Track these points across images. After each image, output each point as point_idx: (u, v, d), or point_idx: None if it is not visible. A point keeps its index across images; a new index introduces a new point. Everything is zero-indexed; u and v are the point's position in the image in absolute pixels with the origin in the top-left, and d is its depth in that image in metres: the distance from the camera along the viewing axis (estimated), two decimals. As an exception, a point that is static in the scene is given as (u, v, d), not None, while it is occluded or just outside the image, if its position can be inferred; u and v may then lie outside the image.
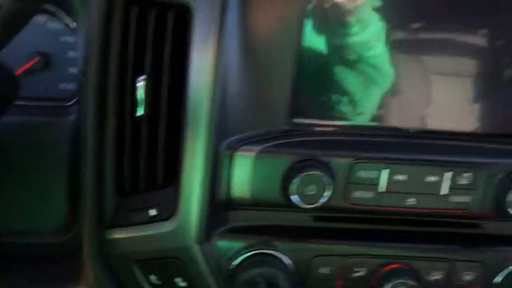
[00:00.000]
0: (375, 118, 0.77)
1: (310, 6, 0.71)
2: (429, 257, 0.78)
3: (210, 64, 0.67)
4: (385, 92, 0.77)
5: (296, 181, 0.71)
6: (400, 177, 0.73)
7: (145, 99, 0.70)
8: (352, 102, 0.77)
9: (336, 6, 0.72)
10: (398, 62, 0.75)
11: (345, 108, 0.77)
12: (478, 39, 0.75)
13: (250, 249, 0.75)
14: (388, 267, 0.77)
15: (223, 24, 0.66)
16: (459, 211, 0.75)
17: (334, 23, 0.73)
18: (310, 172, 0.70)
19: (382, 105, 0.77)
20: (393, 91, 0.76)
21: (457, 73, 0.77)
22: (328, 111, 0.77)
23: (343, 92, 0.76)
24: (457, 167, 0.73)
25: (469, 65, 0.76)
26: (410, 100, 0.77)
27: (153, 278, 0.79)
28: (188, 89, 0.68)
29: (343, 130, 0.77)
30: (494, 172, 0.74)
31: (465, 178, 0.74)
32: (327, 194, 0.71)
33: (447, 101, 0.77)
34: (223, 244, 0.76)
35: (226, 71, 0.69)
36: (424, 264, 0.77)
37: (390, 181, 0.73)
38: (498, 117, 0.78)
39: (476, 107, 0.77)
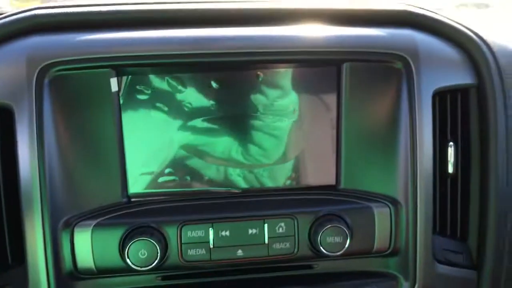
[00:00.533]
0: (203, 184, 0.89)
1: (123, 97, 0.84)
2: None
3: (34, 155, 0.79)
4: (212, 161, 0.89)
5: (130, 248, 0.80)
6: (225, 233, 0.84)
7: None
8: (181, 172, 0.88)
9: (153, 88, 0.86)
10: (219, 132, 0.88)
11: (173, 177, 0.88)
12: (290, 110, 0.89)
13: None
14: None
15: (42, 121, 0.79)
16: (284, 256, 0.86)
17: (153, 108, 0.86)
18: (140, 238, 0.80)
19: (209, 171, 0.89)
20: (219, 159, 0.89)
21: (273, 136, 0.90)
22: (158, 181, 0.88)
23: (172, 163, 0.88)
24: (272, 219, 0.85)
25: (281, 129, 0.90)
26: (235, 165, 0.90)
27: None
28: (19, 178, 0.79)
29: (173, 197, 0.88)
30: (304, 219, 0.86)
31: (281, 227, 0.86)
32: (159, 255, 0.81)
33: (267, 162, 0.90)
34: (77, 312, 0.84)
35: (51, 160, 0.80)
36: None
37: (216, 238, 0.84)
38: (307, 173, 0.91)
39: (290, 165, 0.91)
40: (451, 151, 0.91)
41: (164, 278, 0.88)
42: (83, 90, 0.82)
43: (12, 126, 0.80)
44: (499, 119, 0.90)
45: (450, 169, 0.92)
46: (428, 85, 0.87)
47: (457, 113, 0.93)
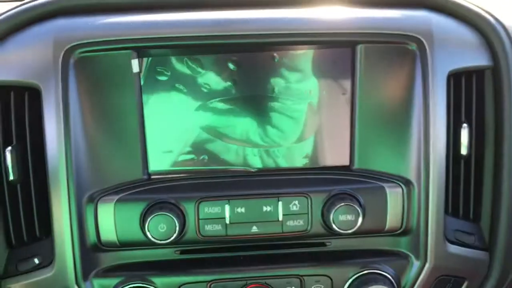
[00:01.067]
0: (220, 163, 0.92)
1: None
2: (282, 275, 0.91)
3: (60, 133, 0.83)
4: (230, 141, 0.92)
5: (150, 222, 0.84)
6: (241, 210, 0.88)
7: (13, 165, 0.84)
8: (199, 151, 0.92)
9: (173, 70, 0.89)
10: (237, 113, 0.91)
11: (192, 156, 0.92)
12: (306, 92, 0.91)
13: (125, 284, 0.88)
14: (247, 287, 0.90)
15: (67, 100, 0.83)
16: (298, 233, 0.89)
17: (171, 88, 0.89)
18: (159, 213, 0.84)
19: (227, 151, 0.92)
20: (236, 140, 0.92)
21: (290, 118, 0.93)
22: (177, 160, 0.92)
23: (191, 143, 0.91)
24: (286, 197, 0.88)
25: (298, 111, 0.92)
26: (252, 146, 0.92)
27: None
28: (46, 155, 0.84)
29: (191, 175, 0.92)
30: (318, 198, 0.88)
31: (295, 205, 0.88)
32: (177, 230, 0.85)
33: (283, 143, 0.93)
34: (101, 282, 0.89)
35: (77, 138, 0.84)
36: (278, 282, 0.91)
37: (232, 214, 0.88)
38: (322, 153, 0.94)
39: (305, 146, 0.93)
40: (464, 133, 0.91)
41: (182, 252, 0.92)
42: (106, 71, 0.86)
43: (39, 106, 0.85)
44: None
45: (464, 151, 0.92)
46: (443, 66, 0.88)
47: (472, 95, 0.93)
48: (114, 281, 0.89)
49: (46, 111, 0.83)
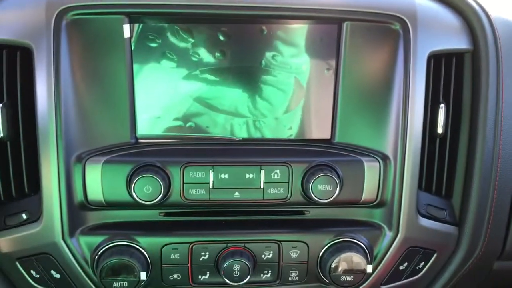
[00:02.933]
0: (207, 131, 0.96)
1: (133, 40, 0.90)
2: (261, 240, 0.95)
3: (51, 93, 0.85)
4: (217, 110, 0.95)
5: (136, 183, 0.88)
6: (224, 176, 0.91)
7: (3, 122, 0.87)
8: (186, 119, 0.95)
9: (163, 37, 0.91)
10: (226, 84, 0.94)
11: (179, 123, 0.95)
12: (293, 66, 0.94)
13: (110, 242, 0.92)
14: (227, 250, 0.94)
15: (58, 61, 0.85)
16: (278, 201, 0.93)
17: (162, 55, 0.91)
18: (145, 175, 0.87)
19: (213, 120, 0.95)
20: (224, 110, 0.95)
21: (277, 90, 0.96)
22: (164, 126, 0.95)
23: (178, 110, 0.94)
24: (268, 165, 0.92)
25: (285, 84, 0.95)
26: (237, 114, 0.96)
27: (33, 272, 0.95)
28: (36, 113, 0.86)
29: (177, 141, 0.95)
30: (298, 168, 0.92)
31: (276, 174, 0.92)
32: (162, 192, 0.88)
33: (270, 115, 0.96)
34: (86, 239, 0.92)
35: (67, 98, 0.87)
36: (257, 246, 0.95)
37: (216, 180, 0.91)
38: (305, 126, 0.97)
39: (289, 119, 0.96)
40: (441, 112, 0.96)
41: (166, 214, 0.96)
42: (97, 35, 0.88)
43: (31, 65, 0.86)
44: (491, 84, 0.95)
45: (440, 130, 0.97)
46: (424, 47, 0.91)
47: (451, 76, 0.97)
48: (99, 238, 0.92)
49: (38, 71, 0.85)
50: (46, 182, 0.88)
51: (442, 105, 0.95)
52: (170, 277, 0.94)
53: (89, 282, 0.94)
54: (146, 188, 0.88)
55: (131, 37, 0.89)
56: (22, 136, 0.90)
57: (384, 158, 0.94)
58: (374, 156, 0.94)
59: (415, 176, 0.95)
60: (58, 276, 0.94)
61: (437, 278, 1.07)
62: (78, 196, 0.90)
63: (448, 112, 0.97)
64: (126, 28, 0.88)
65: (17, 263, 0.94)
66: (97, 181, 0.89)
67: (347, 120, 0.95)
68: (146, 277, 0.90)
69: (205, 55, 0.92)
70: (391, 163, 0.94)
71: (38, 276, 0.95)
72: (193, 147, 0.94)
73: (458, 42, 0.94)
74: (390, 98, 0.93)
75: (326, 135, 0.97)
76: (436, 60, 0.96)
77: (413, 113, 0.92)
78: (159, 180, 0.88)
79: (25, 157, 0.91)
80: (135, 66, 0.91)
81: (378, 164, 0.94)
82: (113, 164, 0.89)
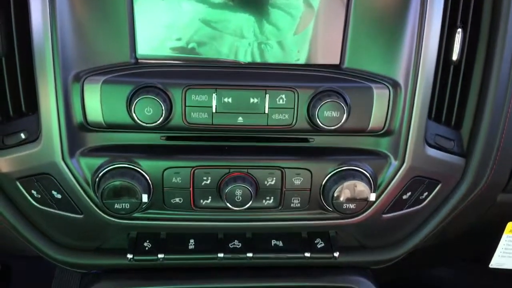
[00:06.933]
0: (210, 53, 0.91)
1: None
2: (264, 166, 0.94)
3: (45, 7, 0.80)
4: (222, 31, 0.90)
5: (136, 104, 0.85)
6: (227, 100, 0.88)
7: None
8: (189, 39, 0.90)
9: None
10: (232, 7, 0.88)
11: (181, 44, 0.90)
12: None
13: (111, 164, 0.90)
14: (229, 175, 0.93)
15: None
16: (282, 127, 0.91)
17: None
18: (146, 96, 0.84)
19: (218, 42, 0.90)
20: (229, 31, 0.90)
21: (284, 14, 0.90)
22: (165, 46, 0.90)
23: (181, 30, 0.89)
24: (273, 90, 0.88)
25: (294, 7, 0.89)
26: (243, 37, 0.91)
27: (34, 192, 0.94)
28: (31, 29, 0.82)
29: (179, 62, 0.90)
30: (305, 93, 0.89)
31: (281, 99, 0.89)
32: (164, 114, 0.85)
33: (274, 38, 0.91)
34: (87, 160, 0.91)
35: (63, 14, 0.82)
36: (260, 172, 0.94)
37: (219, 103, 0.88)
38: (313, 51, 0.92)
39: (297, 42, 0.91)
40: (458, 37, 0.91)
41: (168, 138, 0.94)
42: None
43: None
44: None
45: (455, 56, 0.92)
46: None
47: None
48: (100, 160, 0.91)
49: None
50: (43, 100, 0.85)
51: (459, 30, 0.90)
52: (172, 201, 0.94)
53: (91, 203, 0.94)
54: (147, 110, 0.85)
55: None
56: (17, 52, 0.86)
57: (395, 85, 0.90)
58: (384, 82, 0.90)
59: (425, 105, 0.91)
60: (59, 196, 0.94)
61: (440, 208, 1.07)
62: (77, 116, 0.87)
63: (465, 38, 0.92)
64: None
65: (18, 183, 0.93)
66: (96, 102, 0.86)
67: (358, 44, 0.90)
68: (148, 199, 0.90)
69: None
70: (401, 90, 0.90)
71: (39, 196, 0.94)
72: (196, 69, 0.90)
73: None
74: (405, 21, 0.87)
75: (335, 60, 0.93)
76: None
77: (428, 37, 0.87)
78: (160, 102, 0.85)
79: (21, 75, 0.87)
80: None
81: (388, 91, 0.90)
82: (113, 84, 0.86)
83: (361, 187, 0.92)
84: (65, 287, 1.71)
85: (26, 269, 1.73)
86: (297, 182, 0.94)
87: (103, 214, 0.96)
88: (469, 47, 0.94)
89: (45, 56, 0.82)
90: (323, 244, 1.05)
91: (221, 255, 1.02)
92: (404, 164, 0.95)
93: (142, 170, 0.91)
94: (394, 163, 0.95)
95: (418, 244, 1.13)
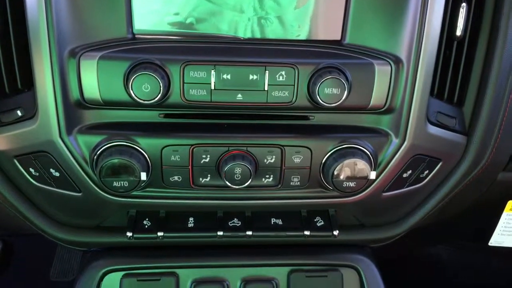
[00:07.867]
0: (209, 28, 0.89)
1: None
2: (263, 144, 0.93)
3: None
4: (221, 5, 0.88)
5: (133, 80, 0.83)
6: (226, 76, 0.87)
7: None
8: (187, 14, 0.88)
9: None
10: None
11: (180, 19, 0.88)
12: None
13: (109, 142, 0.89)
14: (229, 153, 0.92)
15: None
16: (282, 104, 0.89)
17: None
18: (144, 72, 0.83)
19: (217, 17, 0.88)
20: (227, 5, 0.88)
21: None
22: (163, 21, 0.88)
23: (179, 4, 0.87)
24: (273, 66, 0.87)
25: None
26: (242, 12, 0.89)
27: (32, 170, 0.94)
28: (26, 5, 0.80)
29: (177, 38, 0.89)
30: (305, 70, 0.87)
31: (281, 76, 0.87)
32: (161, 91, 0.84)
33: (274, 13, 0.89)
34: (84, 138, 0.90)
35: None
36: (259, 150, 0.93)
37: (218, 80, 0.87)
38: (314, 26, 0.90)
39: (297, 17, 0.89)
40: (462, 12, 0.89)
41: (166, 116, 0.93)
42: None
43: None
44: None
45: (458, 32, 0.90)
46: None
47: None
48: (98, 138, 0.90)
49: None
50: (39, 77, 0.84)
51: (463, 4, 0.88)
52: (170, 179, 0.93)
53: (89, 181, 0.93)
54: (145, 87, 0.84)
55: None
56: (12, 27, 0.84)
57: (397, 61, 0.88)
58: (386, 59, 0.88)
59: (427, 82, 0.90)
60: (57, 174, 0.93)
61: (440, 187, 1.06)
62: (74, 93, 0.86)
63: (469, 13, 0.90)
64: None
65: (15, 161, 0.92)
66: (93, 78, 0.85)
67: (360, 20, 0.88)
68: (147, 177, 0.89)
69: None
70: (403, 66, 0.88)
71: (37, 174, 0.94)
72: (194, 45, 0.88)
73: None
74: None
75: (336, 36, 0.91)
76: None
77: (432, 12, 0.85)
78: (158, 79, 0.83)
79: (16, 51, 0.86)
80: None
81: (389, 67, 0.88)
82: (109, 60, 0.84)
83: (361, 165, 0.91)
84: (66, 265, 1.73)
85: (27, 247, 1.74)
86: (296, 160, 0.94)
87: (101, 192, 0.95)
88: (473, 22, 0.92)
89: (39, 31, 0.81)
90: (322, 223, 1.05)
91: (220, 233, 1.02)
92: (405, 142, 0.94)
93: (140, 148, 0.90)
94: (395, 141, 0.94)
95: (417, 222, 1.12)
